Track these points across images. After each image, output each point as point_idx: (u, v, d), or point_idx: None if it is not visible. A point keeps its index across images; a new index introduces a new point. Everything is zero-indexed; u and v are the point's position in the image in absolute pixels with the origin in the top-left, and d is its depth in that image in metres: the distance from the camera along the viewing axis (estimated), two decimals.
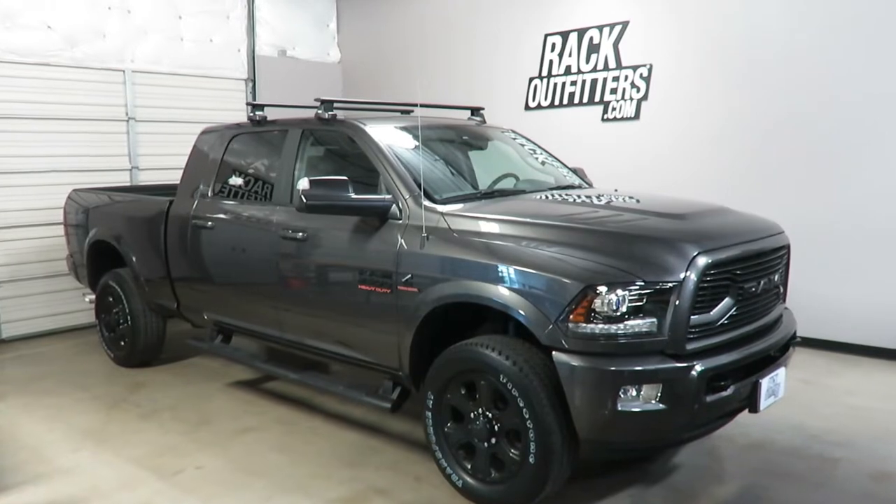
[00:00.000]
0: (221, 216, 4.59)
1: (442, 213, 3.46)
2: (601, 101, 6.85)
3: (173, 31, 7.50)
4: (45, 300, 6.76)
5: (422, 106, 4.45)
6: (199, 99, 7.67)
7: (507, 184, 4.36)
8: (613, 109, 6.76)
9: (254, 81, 8.17)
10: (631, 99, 6.63)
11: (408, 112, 5.09)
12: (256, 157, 4.73)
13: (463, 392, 3.27)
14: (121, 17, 7.09)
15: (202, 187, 4.81)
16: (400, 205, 3.59)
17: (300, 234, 3.98)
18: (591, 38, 6.86)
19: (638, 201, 3.73)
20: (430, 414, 3.40)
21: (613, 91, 6.75)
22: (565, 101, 7.11)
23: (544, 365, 2.99)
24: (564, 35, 7.06)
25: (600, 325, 2.84)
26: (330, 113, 4.13)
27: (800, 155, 5.70)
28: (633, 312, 2.84)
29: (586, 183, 4.62)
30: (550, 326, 2.91)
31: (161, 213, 5.07)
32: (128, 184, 7.19)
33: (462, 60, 7.91)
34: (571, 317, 2.87)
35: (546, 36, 7.20)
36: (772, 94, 5.79)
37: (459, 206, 3.56)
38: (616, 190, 4.15)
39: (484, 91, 7.52)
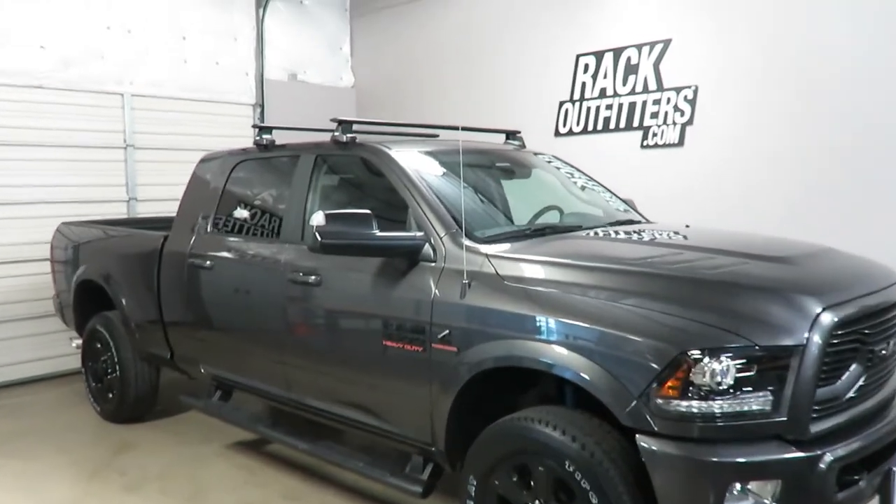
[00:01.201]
0: (222, 254, 3.99)
1: (486, 255, 2.84)
2: (640, 127, 6.26)
3: (176, 52, 7.00)
4: (32, 343, 6.15)
5: (452, 129, 3.89)
6: (203, 125, 7.15)
7: (551, 218, 3.76)
8: (654, 135, 6.17)
9: (262, 106, 7.66)
10: (674, 123, 6.03)
11: (433, 136, 4.51)
12: (263, 186, 4.15)
13: (514, 478, 2.62)
14: (120, 37, 6.59)
15: (201, 221, 4.22)
16: (434, 243, 2.97)
17: (312, 276, 3.37)
18: (629, 59, 6.30)
19: (724, 240, 3.10)
20: (471, 503, 2.74)
21: (654, 115, 6.16)
22: (600, 127, 6.53)
23: (623, 449, 2.35)
24: (598, 55, 6.51)
25: (699, 402, 2.20)
26: (348, 135, 3.54)
27: (871, 182, 5.06)
28: (742, 385, 2.20)
29: (643, 217, 4.01)
30: (633, 402, 2.27)
31: (154, 250, 4.48)
32: (124, 216, 6.64)
33: (486, 84, 7.37)
34: (661, 390, 2.23)
35: (578, 56, 6.65)
36: (837, 115, 5.17)
37: (506, 245, 2.94)
38: (688, 226, 3.52)
39: (510, 116, 6.95)
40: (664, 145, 6.09)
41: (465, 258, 2.79)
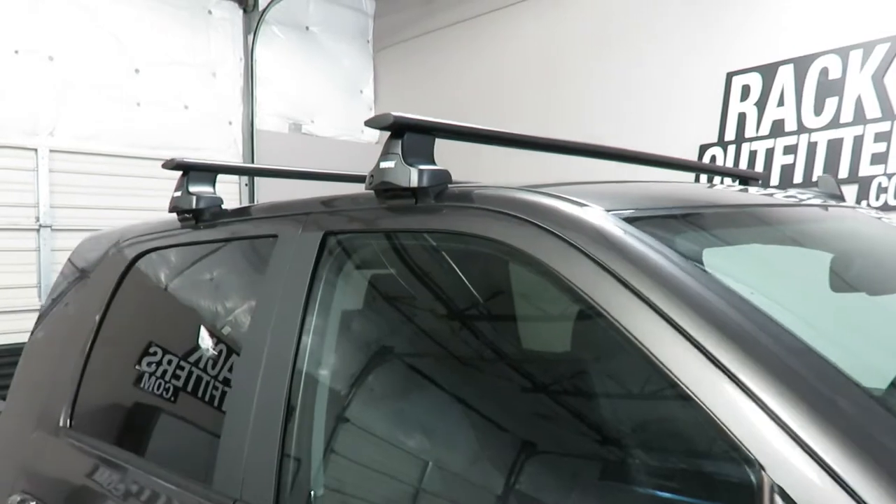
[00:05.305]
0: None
1: None
2: (852, 178, 3.88)
3: (124, 90, 4.78)
4: None
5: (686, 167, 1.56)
6: (162, 196, 4.84)
7: None
8: (882, 190, 3.78)
9: None
10: None
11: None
12: (192, 318, 1.71)
13: None
14: (36, 66, 4.40)
15: (48, 402, 1.77)
16: None
17: None
18: (825, 71, 3.98)
19: None
20: None
21: (878, 159, 3.79)
22: (774, 180, 4.16)
23: None
24: (767, 71, 4.19)
25: None
26: (424, 167, 1.11)
27: None
28: None
29: None
30: None
31: None
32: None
33: (571, 126, 5.06)
34: None
35: (730, 76, 4.34)
36: None
37: None
38: None
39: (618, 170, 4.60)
40: None
41: None
